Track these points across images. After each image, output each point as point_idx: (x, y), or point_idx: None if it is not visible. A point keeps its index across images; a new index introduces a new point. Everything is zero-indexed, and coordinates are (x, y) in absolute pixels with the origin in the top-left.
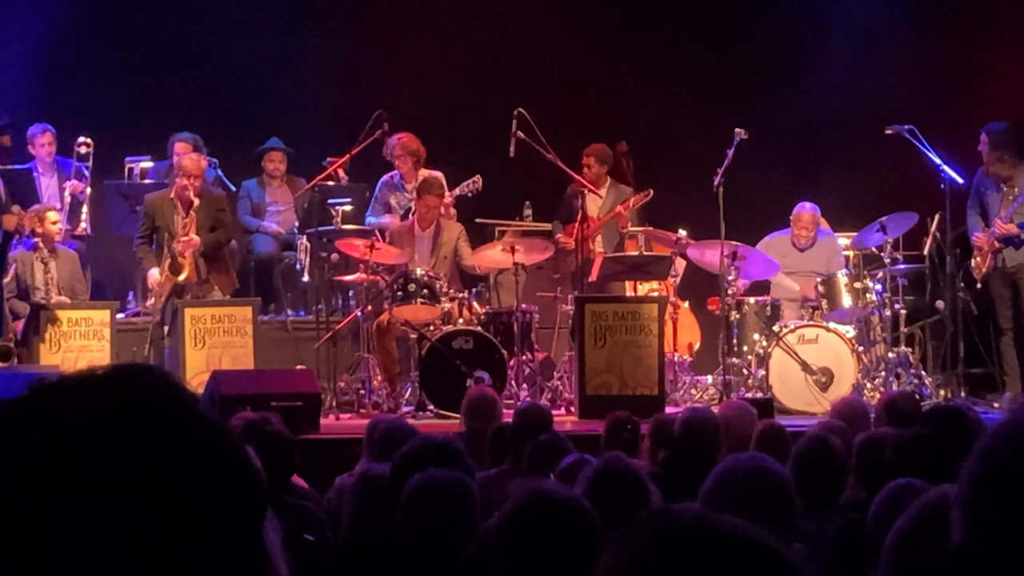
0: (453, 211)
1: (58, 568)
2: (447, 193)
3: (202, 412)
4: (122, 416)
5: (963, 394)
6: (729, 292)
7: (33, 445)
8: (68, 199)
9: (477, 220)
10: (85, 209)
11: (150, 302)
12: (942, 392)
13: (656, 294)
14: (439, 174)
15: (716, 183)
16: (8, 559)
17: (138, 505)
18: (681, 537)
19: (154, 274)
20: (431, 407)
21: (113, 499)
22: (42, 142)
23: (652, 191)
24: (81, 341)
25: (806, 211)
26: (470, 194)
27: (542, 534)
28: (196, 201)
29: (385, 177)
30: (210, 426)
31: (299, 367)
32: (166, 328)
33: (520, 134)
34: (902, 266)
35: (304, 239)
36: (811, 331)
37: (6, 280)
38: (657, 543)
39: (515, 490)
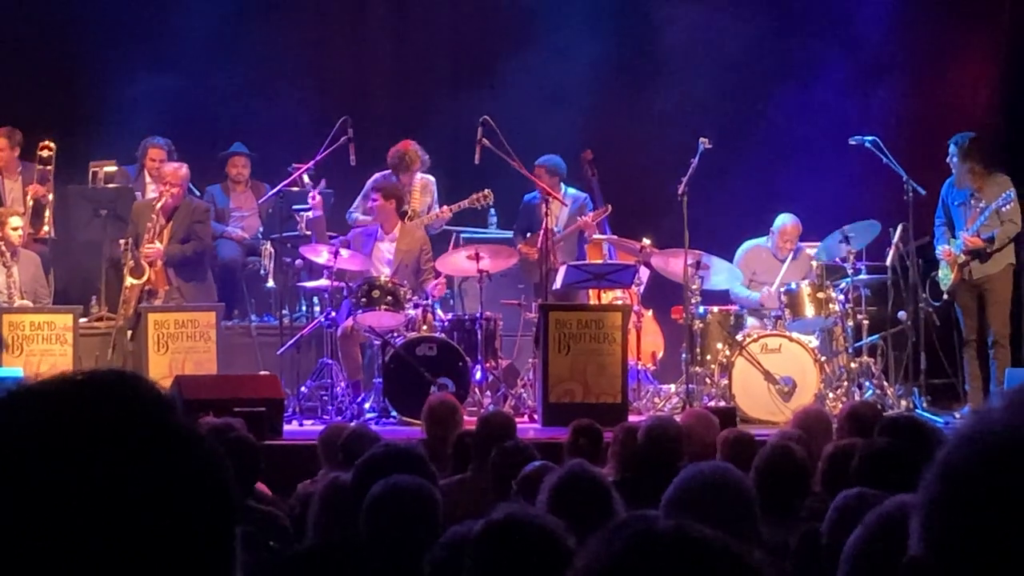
0: (447, 215)
1: (33, 572)
2: (446, 208)
3: (180, 419)
4: (97, 422)
5: (925, 405)
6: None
7: (7, 450)
8: (31, 203)
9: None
10: (48, 213)
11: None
12: (903, 403)
13: (620, 302)
14: (431, 178)
15: (680, 192)
16: None
17: (111, 511)
18: (656, 545)
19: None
20: (394, 414)
21: (86, 506)
22: None
23: (610, 207)
24: (44, 345)
25: (790, 223)
26: (479, 207)
27: (516, 556)
28: (164, 208)
29: (378, 175)
30: (187, 434)
31: (263, 372)
32: (130, 333)
33: (485, 141)
34: (865, 276)
35: (268, 244)
36: (774, 340)
37: None
38: (632, 551)
39: (496, 510)
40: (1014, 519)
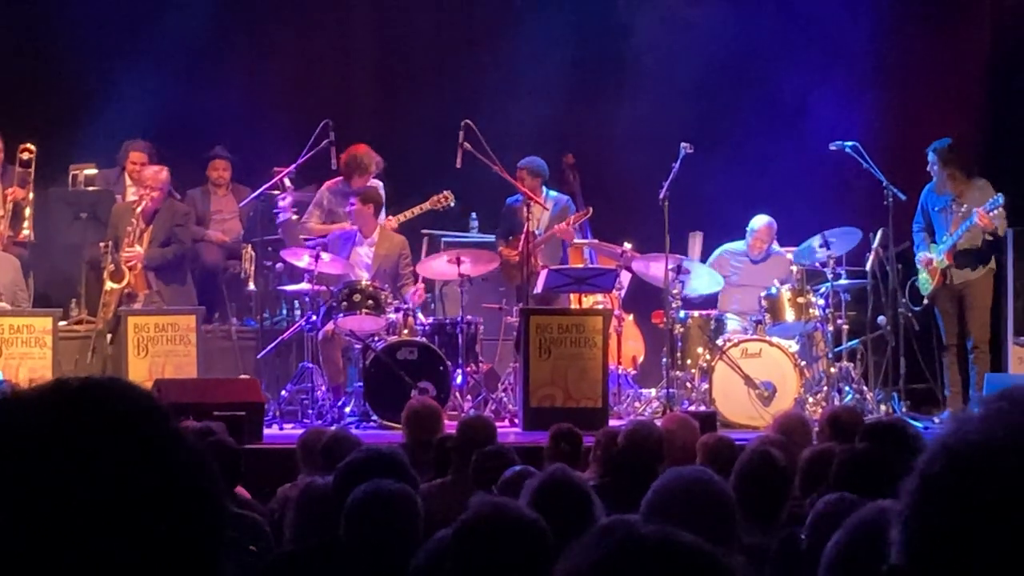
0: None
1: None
2: (407, 212)
3: (175, 426)
4: (98, 429)
5: (904, 409)
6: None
7: (8, 455)
8: (10, 206)
9: (423, 231)
10: (27, 216)
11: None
12: (883, 407)
13: (601, 307)
14: (378, 183)
15: (661, 197)
16: None
17: (112, 515)
18: (639, 550)
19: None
20: (375, 418)
21: (76, 514)
22: None
23: (591, 209)
24: (23, 348)
25: (764, 224)
26: (441, 208)
27: (497, 549)
28: (144, 211)
29: (331, 183)
30: (182, 440)
31: (243, 376)
32: (109, 336)
33: (467, 145)
34: (845, 281)
35: (249, 248)
36: (754, 345)
37: None
38: (615, 556)
39: (474, 503)
40: (991, 529)
